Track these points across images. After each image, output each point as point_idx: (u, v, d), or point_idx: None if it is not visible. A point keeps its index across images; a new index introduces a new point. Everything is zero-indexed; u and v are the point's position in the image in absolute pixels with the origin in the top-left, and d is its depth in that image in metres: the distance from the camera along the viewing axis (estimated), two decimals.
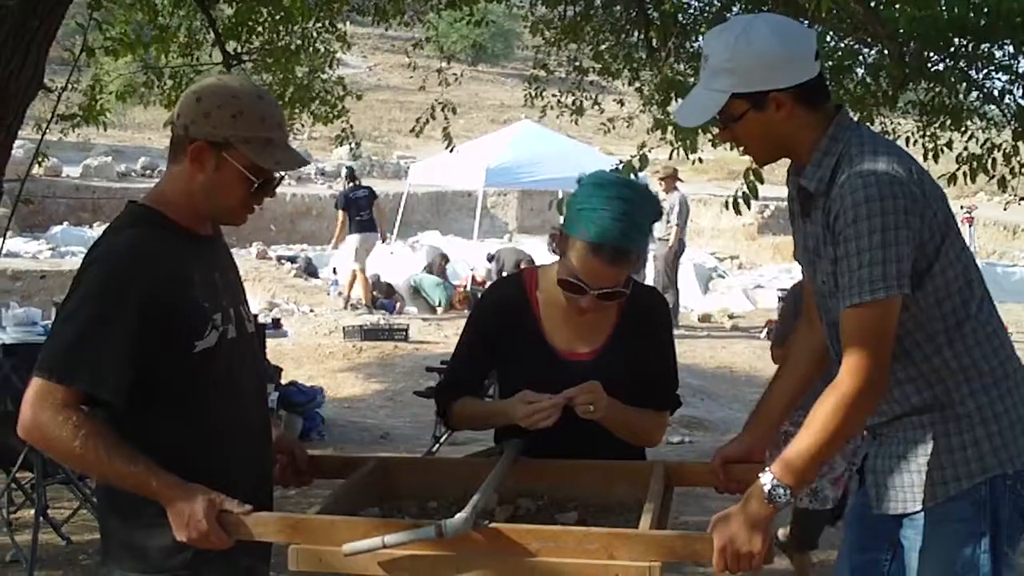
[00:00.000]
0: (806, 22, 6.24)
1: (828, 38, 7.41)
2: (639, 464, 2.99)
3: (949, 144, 8.02)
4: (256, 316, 2.88)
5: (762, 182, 5.07)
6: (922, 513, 2.56)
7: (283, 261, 18.83)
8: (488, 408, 3.13)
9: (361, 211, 15.25)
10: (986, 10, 5.65)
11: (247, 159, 2.50)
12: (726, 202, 5.59)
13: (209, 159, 2.50)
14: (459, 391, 3.13)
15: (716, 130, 2.75)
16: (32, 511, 5.72)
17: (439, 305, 15.42)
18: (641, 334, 3.02)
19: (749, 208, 5.45)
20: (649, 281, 14.46)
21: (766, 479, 2.41)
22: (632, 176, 5.48)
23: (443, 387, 3.22)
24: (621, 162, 5.65)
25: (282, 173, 2.62)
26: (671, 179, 14.15)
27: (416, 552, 2.40)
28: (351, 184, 15.79)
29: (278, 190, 2.68)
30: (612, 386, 2.87)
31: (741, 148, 2.66)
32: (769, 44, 2.47)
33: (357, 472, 2.87)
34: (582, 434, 2.89)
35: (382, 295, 15.70)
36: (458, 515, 2.38)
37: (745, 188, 5.45)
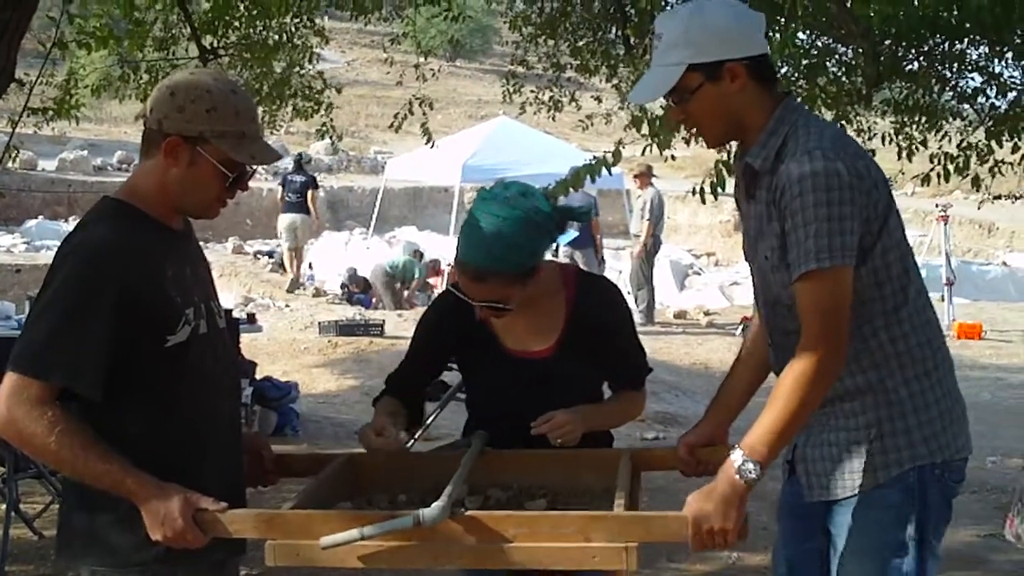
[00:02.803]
0: (782, 19, 6.26)
1: (803, 35, 7.43)
2: (605, 452, 3.03)
3: (924, 142, 8.06)
4: (230, 311, 2.87)
5: (731, 173, 5.02)
6: (853, 498, 2.60)
7: (259, 256, 18.78)
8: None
9: (291, 193, 16.18)
10: (955, 9, 5.68)
11: (221, 153, 2.50)
12: (693, 189, 5.58)
13: (184, 154, 2.50)
14: (392, 389, 3.23)
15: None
16: (3, 506, 5.69)
17: (415, 279, 15.49)
18: (594, 324, 3.03)
19: (716, 198, 5.43)
20: (624, 278, 14.49)
21: (736, 456, 2.45)
22: (605, 170, 5.45)
23: (388, 378, 3.29)
24: (595, 157, 5.61)
25: (256, 167, 2.63)
26: (645, 176, 14.19)
27: (394, 543, 2.41)
28: (294, 168, 16.57)
29: (254, 185, 2.68)
30: (571, 381, 2.91)
31: (692, 131, 2.70)
32: (722, 16, 2.55)
33: (327, 468, 2.88)
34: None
35: (358, 289, 15.68)
36: (435, 504, 2.40)
37: (715, 178, 5.42)
